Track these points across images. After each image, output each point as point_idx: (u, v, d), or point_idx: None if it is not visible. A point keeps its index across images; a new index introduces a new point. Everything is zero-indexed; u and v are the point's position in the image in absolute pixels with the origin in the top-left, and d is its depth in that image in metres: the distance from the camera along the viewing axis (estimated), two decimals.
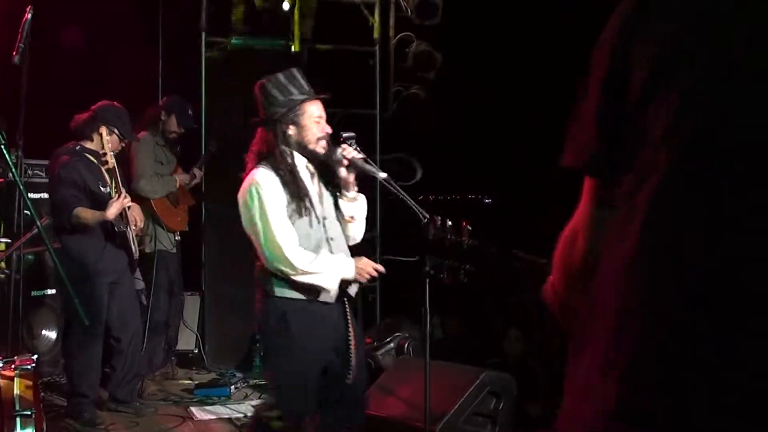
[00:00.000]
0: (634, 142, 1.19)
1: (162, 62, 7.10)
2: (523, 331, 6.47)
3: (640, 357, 1.11)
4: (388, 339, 5.21)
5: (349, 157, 3.22)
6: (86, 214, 4.61)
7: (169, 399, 5.41)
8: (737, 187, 1.10)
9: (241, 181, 3.29)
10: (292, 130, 3.23)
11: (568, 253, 1.34)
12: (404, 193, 3.30)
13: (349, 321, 3.29)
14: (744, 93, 1.13)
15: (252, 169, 3.23)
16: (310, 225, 3.20)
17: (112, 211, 4.56)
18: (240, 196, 3.21)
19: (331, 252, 3.21)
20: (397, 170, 5.04)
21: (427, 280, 3.68)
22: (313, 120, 3.25)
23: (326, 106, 3.40)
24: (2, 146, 3.20)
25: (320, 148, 3.26)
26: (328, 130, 3.30)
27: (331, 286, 3.16)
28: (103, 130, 4.67)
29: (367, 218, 3.54)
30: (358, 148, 3.37)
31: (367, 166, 3.24)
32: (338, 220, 3.37)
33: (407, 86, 7.06)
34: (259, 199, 3.13)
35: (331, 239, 3.26)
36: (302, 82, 3.28)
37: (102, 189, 4.74)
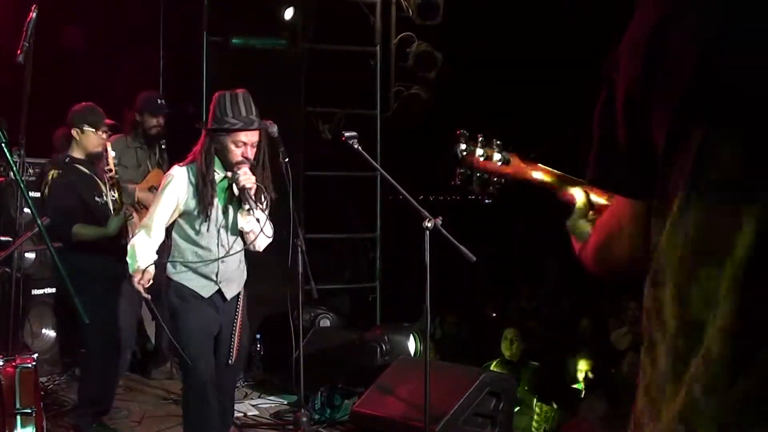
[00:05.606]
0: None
1: (164, 62, 7.09)
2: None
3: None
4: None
5: (240, 185, 3.65)
6: (85, 230, 4.46)
7: (168, 399, 5.42)
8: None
9: None
10: (217, 147, 3.69)
11: (606, 252, 1.36)
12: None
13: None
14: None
15: (177, 164, 3.79)
16: (207, 229, 3.73)
17: (113, 227, 4.43)
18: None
19: (219, 255, 3.73)
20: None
21: (427, 282, 3.70)
22: (236, 145, 3.67)
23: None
24: (3, 145, 3.20)
25: (236, 169, 3.68)
26: (249, 155, 3.69)
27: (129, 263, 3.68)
28: (74, 132, 4.55)
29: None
30: (359, 147, 3.80)
31: (250, 201, 3.65)
32: (239, 231, 3.81)
33: (408, 86, 7.06)
34: (163, 188, 3.73)
35: (222, 245, 3.76)
36: (244, 109, 3.68)
37: (98, 199, 4.57)
